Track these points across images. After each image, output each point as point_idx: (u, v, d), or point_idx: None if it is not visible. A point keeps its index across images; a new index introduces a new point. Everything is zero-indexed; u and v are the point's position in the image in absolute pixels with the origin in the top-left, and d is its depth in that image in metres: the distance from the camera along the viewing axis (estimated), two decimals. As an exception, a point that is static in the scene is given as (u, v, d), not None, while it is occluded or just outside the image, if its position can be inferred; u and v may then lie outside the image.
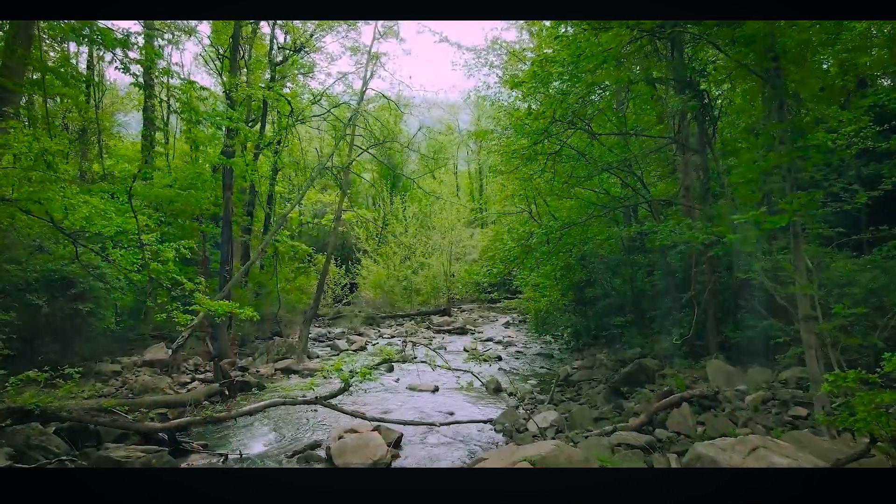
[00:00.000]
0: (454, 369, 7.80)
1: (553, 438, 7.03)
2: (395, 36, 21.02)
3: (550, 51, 8.36)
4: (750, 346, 8.04)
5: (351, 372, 8.26)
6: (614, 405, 7.27)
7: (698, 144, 8.22)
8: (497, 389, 10.39)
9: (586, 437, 6.12)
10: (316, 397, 7.06)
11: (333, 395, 7.25)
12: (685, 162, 9.21)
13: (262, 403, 6.80)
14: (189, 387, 10.90)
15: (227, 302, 9.24)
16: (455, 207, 27.93)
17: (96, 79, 20.01)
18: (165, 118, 20.90)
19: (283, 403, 7.01)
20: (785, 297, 7.52)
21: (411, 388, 10.68)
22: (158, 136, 22.15)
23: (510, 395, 10.08)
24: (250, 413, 6.53)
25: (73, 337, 11.47)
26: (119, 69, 6.94)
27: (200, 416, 6.66)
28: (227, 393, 10.29)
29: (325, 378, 7.39)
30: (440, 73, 69.89)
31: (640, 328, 11.49)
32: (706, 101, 7.70)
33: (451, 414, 8.82)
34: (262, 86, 16.01)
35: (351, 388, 7.34)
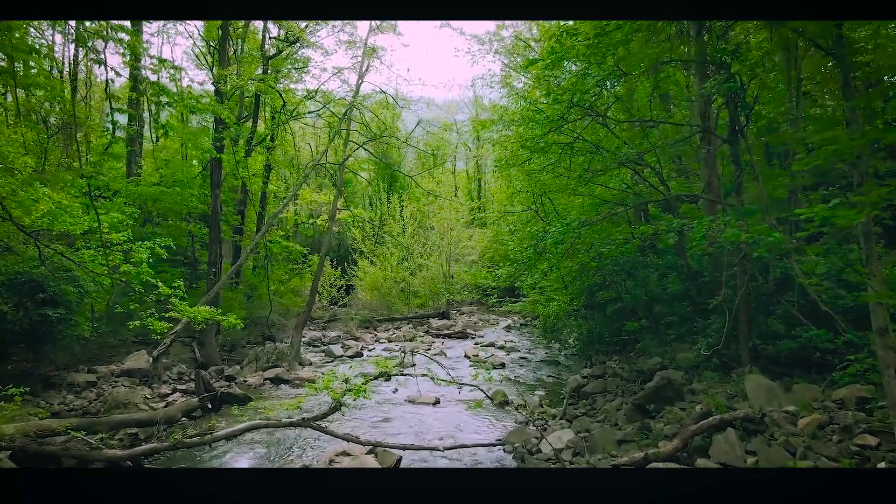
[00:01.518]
0: (460, 383, 6.98)
1: (571, 464, 6.23)
2: (393, 29, 20.19)
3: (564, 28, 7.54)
4: (787, 358, 7.25)
5: (344, 381, 7.44)
6: (640, 425, 6.45)
7: (728, 134, 7.43)
8: (503, 402, 9.58)
9: (613, 467, 5.30)
10: (303, 418, 6.23)
11: (323, 416, 6.41)
12: (710, 154, 8.42)
13: (240, 427, 5.97)
14: (169, 399, 10.03)
15: (207, 308, 8.42)
16: (454, 207, 27.06)
17: (84, 71, 19.23)
18: (141, 105, 19.80)
19: (266, 426, 6.17)
20: (829, 304, 6.75)
21: (410, 401, 9.86)
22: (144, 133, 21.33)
23: (517, 408, 9.26)
24: (226, 438, 5.71)
25: (45, 345, 10.60)
26: (70, 39, 6.15)
27: (169, 440, 5.81)
28: (209, 406, 9.45)
29: (315, 392, 6.54)
30: (440, 65, 68.52)
31: (656, 335, 10.69)
32: (739, 84, 6.91)
33: (456, 431, 8.02)
34: (253, 79, 15.16)
35: (343, 408, 6.52)
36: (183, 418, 8.21)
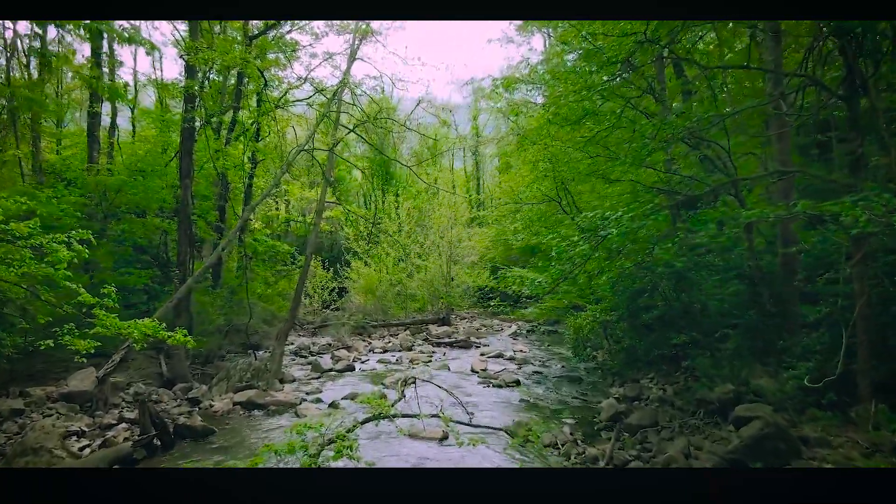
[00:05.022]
0: (481, 426, 5.04)
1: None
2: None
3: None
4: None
5: (329, 412, 5.51)
6: (747, 496, 4.55)
7: (845, 88, 5.56)
8: (527, 438, 7.66)
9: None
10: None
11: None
12: (786, 125, 6.55)
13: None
14: (109, 434, 8.03)
15: (147, 321, 6.43)
16: (456, 204, 25.11)
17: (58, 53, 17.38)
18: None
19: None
20: None
21: (412, 436, 7.88)
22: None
23: (548, 447, 7.35)
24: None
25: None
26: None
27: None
28: (159, 444, 7.50)
29: (277, 453, 4.59)
30: (440, 48, 65.74)
31: (708, 350, 8.80)
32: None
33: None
34: (227, 51, 13.17)
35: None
36: (115, 467, 6.23)
